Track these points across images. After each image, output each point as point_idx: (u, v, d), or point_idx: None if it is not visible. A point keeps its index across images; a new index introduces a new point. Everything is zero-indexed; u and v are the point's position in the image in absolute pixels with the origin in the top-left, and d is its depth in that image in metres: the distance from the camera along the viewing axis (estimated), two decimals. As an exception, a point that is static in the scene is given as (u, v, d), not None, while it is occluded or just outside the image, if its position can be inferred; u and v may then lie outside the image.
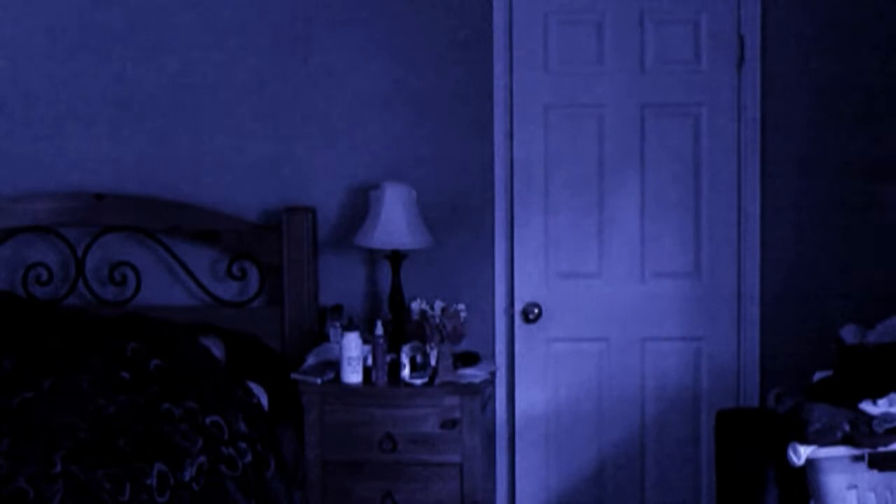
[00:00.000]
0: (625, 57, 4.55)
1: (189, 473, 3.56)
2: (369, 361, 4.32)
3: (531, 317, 4.57)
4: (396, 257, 4.50)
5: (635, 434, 4.62)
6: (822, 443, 3.48)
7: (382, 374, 4.30)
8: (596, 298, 4.61)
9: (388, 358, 4.32)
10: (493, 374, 4.53)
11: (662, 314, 4.60)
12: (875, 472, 3.46)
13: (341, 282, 4.70)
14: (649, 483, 4.63)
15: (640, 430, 4.62)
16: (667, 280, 4.60)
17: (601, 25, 4.54)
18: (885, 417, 3.50)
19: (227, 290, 4.74)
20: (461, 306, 4.33)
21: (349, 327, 4.32)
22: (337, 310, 4.56)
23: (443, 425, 4.26)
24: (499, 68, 4.60)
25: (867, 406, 3.56)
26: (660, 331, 4.61)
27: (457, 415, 4.26)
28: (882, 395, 3.58)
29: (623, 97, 4.56)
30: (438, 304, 4.32)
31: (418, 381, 4.27)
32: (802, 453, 3.49)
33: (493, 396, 4.63)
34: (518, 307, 4.59)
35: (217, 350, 4.35)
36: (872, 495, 3.46)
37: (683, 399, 4.61)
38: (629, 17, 4.53)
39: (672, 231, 4.59)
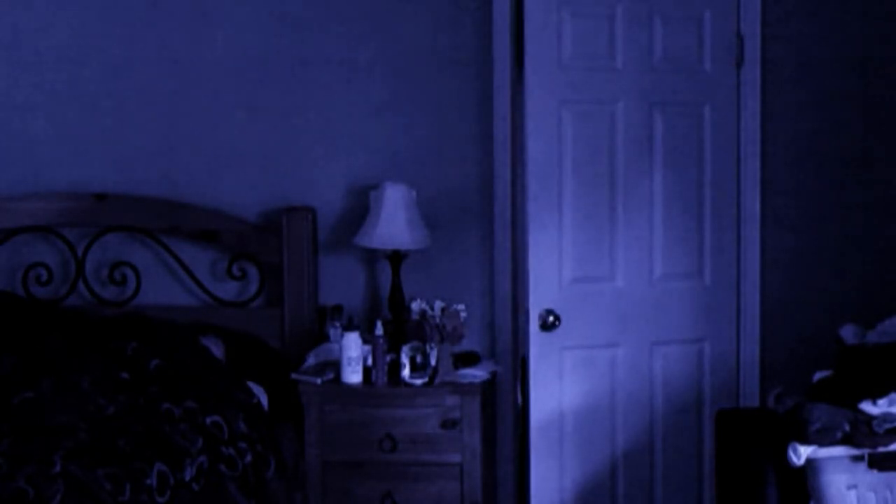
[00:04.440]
0: (634, 53, 4.45)
1: (189, 473, 3.56)
2: (369, 361, 4.32)
3: (550, 323, 4.37)
4: (396, 257, 4.50)
5: (644, 436, 4.55)
6: (822, 443, 3.48)
7: (382, 374, 4.29)
8: (609, 303, 4.49)
9: (388, 358, 4.32)
10: (493, 374, 4.53)
11: (669, 316, 4.54)
12: (875, 472, 3.46)
13: (341, 282, 4.70)
14: (658, 481, 4.59)
15: (649, 433, 4.55)
16: (673, 282, 4.54)
17: (613, 20, 4.42)
18: (885, 417, 3.50)
19: (227, 290, 4.74)
20: (461, 306, 4.33)
21: (349, 327, 4.32)
22: (337, 310, 4.56)
23: (443, 425, 4.26)
24: (499, 65, 4.59)
25: (867, 406, 3.56)
26: (667, 333, 4.54)
27: (457, 415, 4.26)
28: (882, 395, 3.58)
29: (633, 94, 4.46)
30: (438, 304, 4.32)
31: (418, 381, 4.27)
32: (802, 453, 3.49)
33: (493, 397, 4.63)
34: (534, 314, 4.38)
35: (217, 350, 4.35)
36: (872, 495, 3.45)
37: (688, 400, 4.58)
38: (638, 12, 4.42)
39: (677, 232, 4.53)
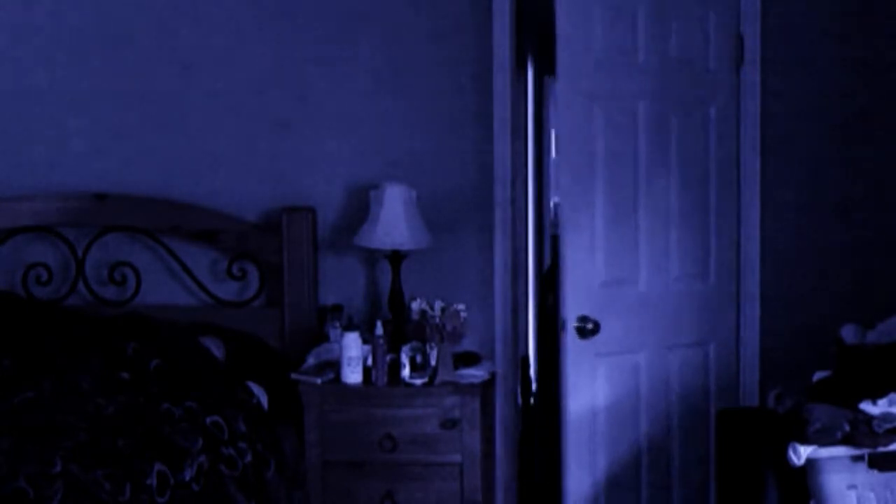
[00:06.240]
0: (653, 51, 4.32)
1: (189, 473, 3.56)
2: (369, 361, 4.32)
3: (589, 329, 4.16)
4: (396, 257, 4.50)
5: (661, 438, 4.46)
6: (822, 443, 3.47)
7: (382, 374, 4.29)
8: (634, 307, 4.33)
9: (388, 358, 4.32)
10: (493, 374, 4.53)
11: (682, 319, 4.45)
12: (875, 472, 3.46)
13: (341, 282, 4.71)
14: (674, 473, 4.53)
15: (666, 436, 4.46)
16: (685, 284, 4.45)
17: (635, 17, 4.28)
18: (885, 417, 3.49)
19: (227, 290, 4.74)
20: (461, 306, 4.33)
21: (349, 327, 4.32)
22: (337, 310, 4.56)
23: (443, 425, 4.26)
24: (499, 66, 4.58)
25: (867, 406, 3.56)
26: (681, 336, 4.45)
27: (457, 415, 4.26)
28: (882, 395, 3.58)
29: (653, 93, 4.33)
30: (438, 304, 4.32)
31: (418, 381, 4.27)
32: (802, 453, 3.48)
33: (493, 397, 4.62)
34: (571, 320, 4.14)
35: (217, 350, 4.35)
36: (872, 495, 3.45)
37: (697, 400, 4.52)
38: (657, 8, 4.31)
39: (689, 234, 4.45)
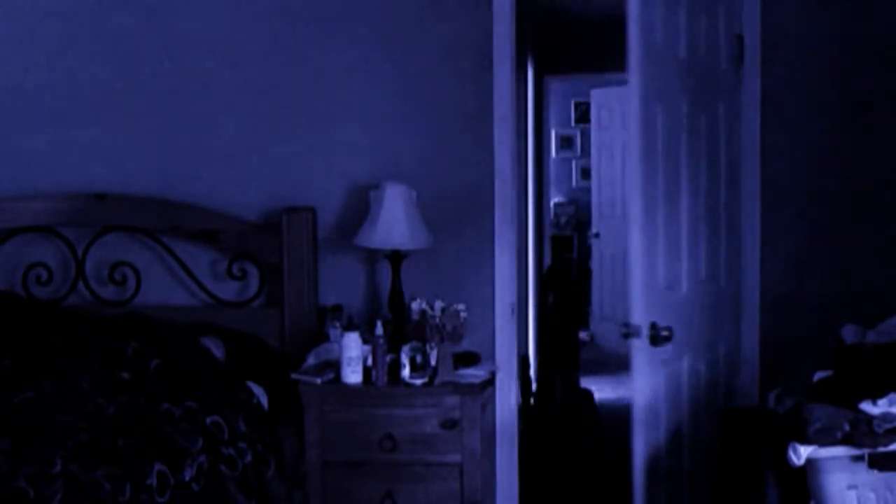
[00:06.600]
0: (691, 46, 4.23)
1: (189, 473, 3.56)
2: (369, 361, 4.32)
3: (663, 337, 3.93)
4: (396, 257, 4.50)
5: (695, 425, 4.31)
6: (822, 443, 3.47)
7: (382, 374, 4.29)
8: (681, 310, 4.18)
9: (388, 358, 4.32)
10: (493, 374, 4.53)
11: (703, 320, 4.39)
12: (875, 472, 3.46)
13: (341, 282, 4.71)
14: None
15: (698, 424, 4.34)
16: (707, 285, 4.39)
17: (678, 13, 4.15)
18: (886, 417, 3.49)
19: (227, 290, 4.74)
20: (461, 306, 4.33)
21: (349, 327, 4.32)
22: (337, 310, 4.56)
23: (443, 425, 4.26)
24: (500, 66, 4.59)
25: (867, 406, 3.56)
26: (702, 337, 4.38)
27: (457, 415, 4.25)
28: (882, 395, 3.58)
29: (691, 90, 4.24)
30: (438, 304, 4.32)
31: (418, 381, 4.27)
32: (802, 453, 3.48)
33: (493, 397, 4.62)
34: (645, 327, 3.91)
35: (217, 350, 4.35)
36: (872, 495, 3.45)
37: (716, 397, 4.50)
38: (690, 6, 4.22)
39: (709, 234, 4.39)
